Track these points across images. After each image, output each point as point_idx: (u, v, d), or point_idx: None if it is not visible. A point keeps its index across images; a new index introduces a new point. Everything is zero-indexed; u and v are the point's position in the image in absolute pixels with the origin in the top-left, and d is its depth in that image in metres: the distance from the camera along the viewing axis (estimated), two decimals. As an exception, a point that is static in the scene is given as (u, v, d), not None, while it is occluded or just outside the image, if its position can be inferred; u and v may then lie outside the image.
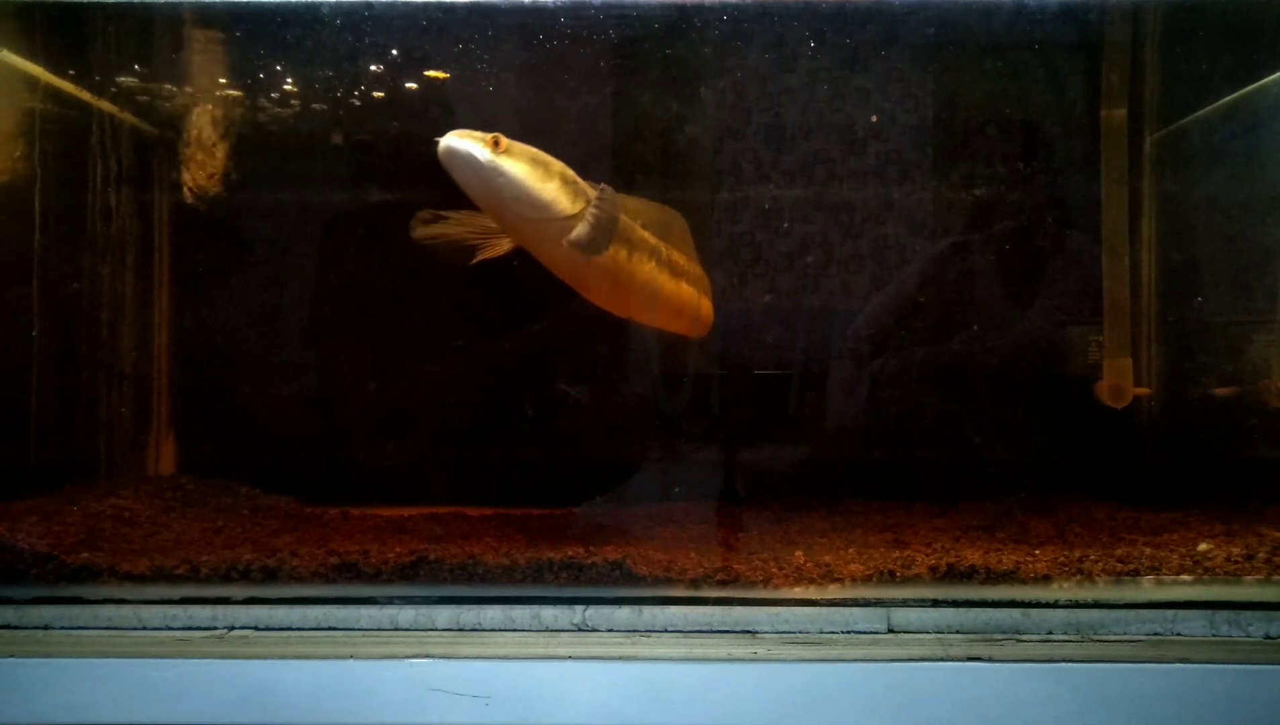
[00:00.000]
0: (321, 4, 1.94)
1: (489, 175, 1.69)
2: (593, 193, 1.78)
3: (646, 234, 1.95)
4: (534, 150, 1.76)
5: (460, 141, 1.67)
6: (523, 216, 1.76)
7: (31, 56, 2.02)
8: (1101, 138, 2.18)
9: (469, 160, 1.67)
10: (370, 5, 1.96)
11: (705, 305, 2.15)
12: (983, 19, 2.09)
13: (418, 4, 1.98)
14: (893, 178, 2.34)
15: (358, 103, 2.28)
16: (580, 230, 1.76)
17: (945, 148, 2.34)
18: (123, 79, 2.20)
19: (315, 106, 2.26)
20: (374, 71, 2.22)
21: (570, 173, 1.79)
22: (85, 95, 2.15)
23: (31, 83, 2.03)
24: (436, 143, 1.70)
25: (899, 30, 2.26)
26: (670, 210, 2.08)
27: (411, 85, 2.24)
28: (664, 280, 2.00)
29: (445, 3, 1.95)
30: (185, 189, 2.21)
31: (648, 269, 1.95)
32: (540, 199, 1.74)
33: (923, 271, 2.32)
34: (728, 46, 2.29)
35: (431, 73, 2.17)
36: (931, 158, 2.35)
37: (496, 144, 1.70)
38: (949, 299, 2.30)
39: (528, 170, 1.73)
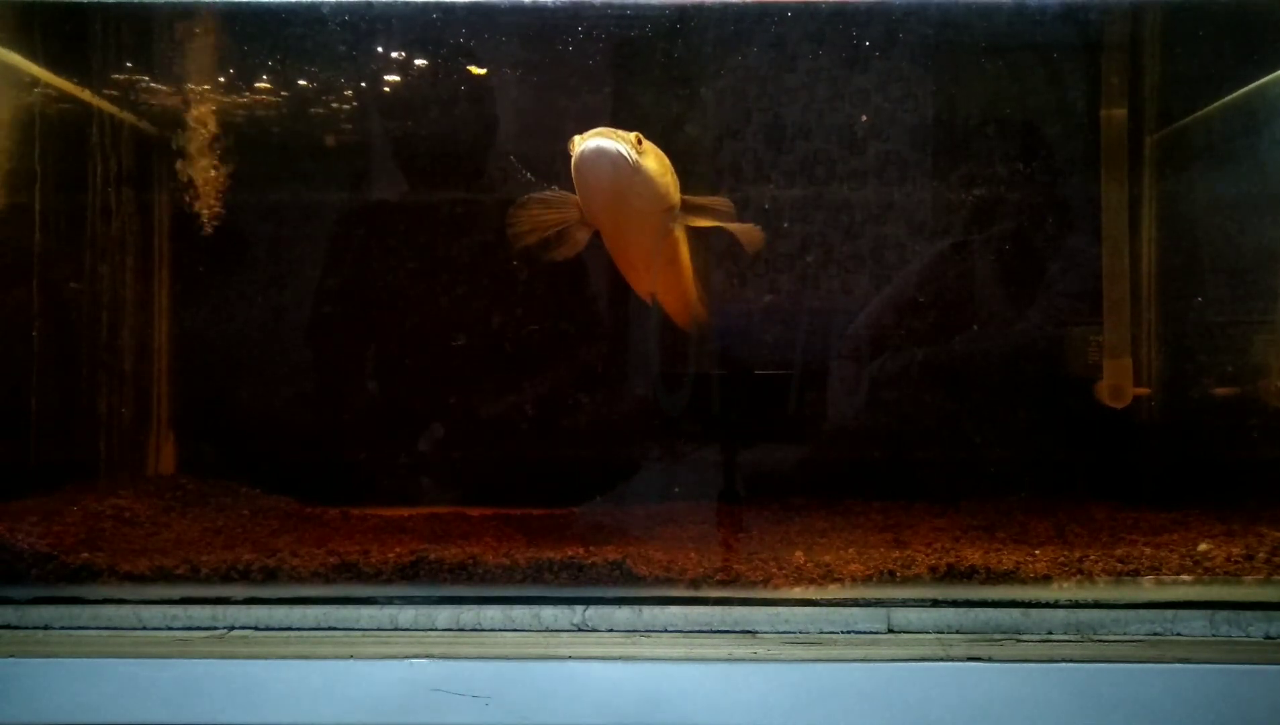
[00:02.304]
0: (321, 3, 1.93)
1: (630, 173, 1.71)
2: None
3: None
4: (656, 147, 1.80)
5: (611, 143, 1.68)
6: (637, 208, 1.80)
7: (31, 55, 2.02)
8: (1101, 138, 2.18)
9: (618, 161, 1.68)
10: (370, 5, 1.96)
11: (699, 298, 2.21)
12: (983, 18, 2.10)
13: (417, 4, 1.98)
14: (892, 177, 2.34)
15: (358, 103, 2.28)
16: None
17: (944, 147, 2.34)
18: (123, 79, 2.20)
19: (315, 107, 2.27)
20: (379, 69, 2.22)
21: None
22: (85, 94, 2.15)
23: (31, 81, 2.03)
24: (572, 141, 1.71)
25: (898, 30, 2.26)
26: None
27: (412, 83, 2.24)
28: (688, 267, 2.06)
29: (445, 3, 1.95)
30: (188, 196, 2.21)
31: (684, 253, 2.03)
32: (660, 193, 1.79)
33: (923, 271, 2.32)
34: (727, 46, 2.29)
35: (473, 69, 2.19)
36: (930, 157, 2.35)
37: (639, 143, 1.73)
38: (949, 299, 2.30)
39: (657, 168, 1.78)
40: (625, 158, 1.68)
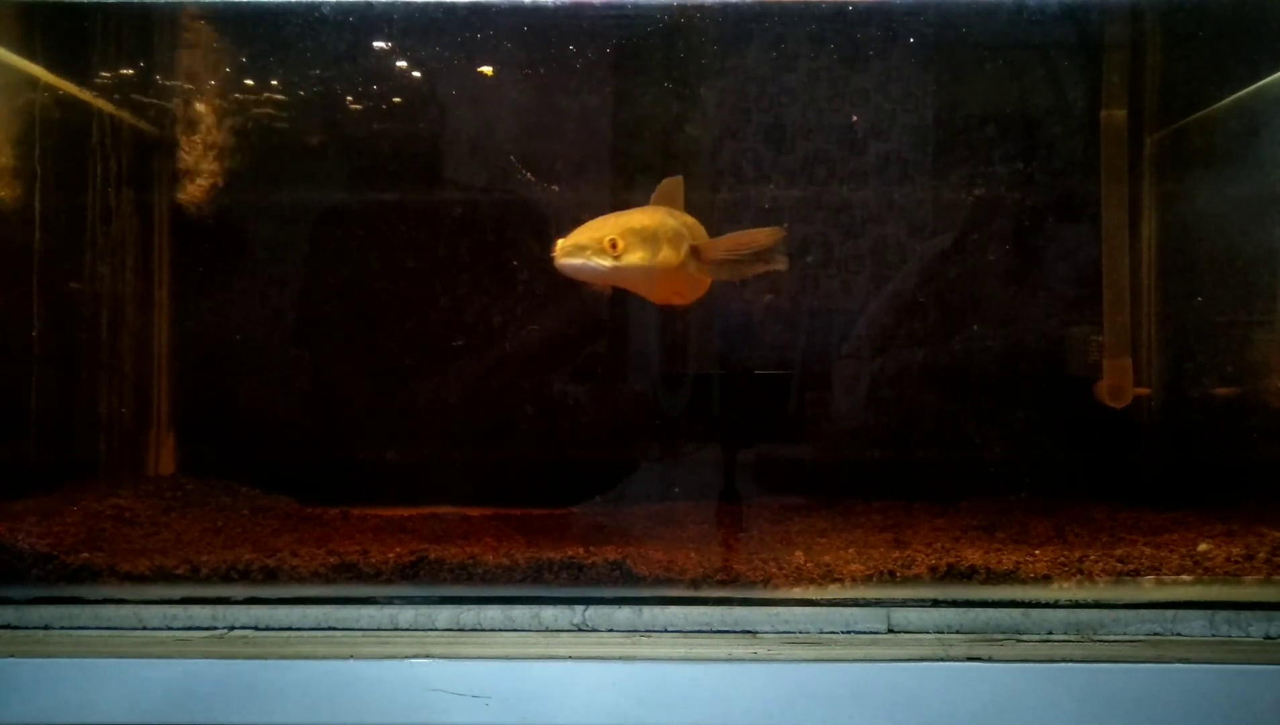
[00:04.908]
0: (321, 3, 1.93)
1: (612, 276, 1.72)
2: (689, 220, 1.84)
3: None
4: (643, 226, 1.75)
5: (576, 261, 1.68)
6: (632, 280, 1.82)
7: (31, 55, 2.02)
8: (1101, 138, 2.18)
9: (592, 272, 1.69)
10: (370, 5, 1.96)
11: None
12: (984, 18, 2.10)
13: (417, 4, 1.98)
14: (892, 177, 2.34)
15: (357, 102, 2.28)
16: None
17: (943, 147, 2.34)
18: (123, 79, 2.20)
19: (314, 106, 2.27)
20: (375, 70, 2.22)
21: (670, 223, 1.79)
22: (85, 95, 2.15)
23: (31, 82, 2.03)
24: (554, 244, 1.69)
25: (897, 30, 2.25)
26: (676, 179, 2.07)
27: (405, 84, 2.25)
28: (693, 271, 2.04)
29: (445, 3, 1.95)
30: (183, 194, 2.20)
31: (692, 267, 1.98)
32: (654, 269, 1.77)
33: (922, 271, 2.32)
34: (727, 47, 2.29)
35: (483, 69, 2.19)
36: (929, 157, 2.34)
37: (614, 246, 1.70)
38: (949, 299, 2.30)
39: (642, 256, 1.74)
40: (596, 270, 1.68)
